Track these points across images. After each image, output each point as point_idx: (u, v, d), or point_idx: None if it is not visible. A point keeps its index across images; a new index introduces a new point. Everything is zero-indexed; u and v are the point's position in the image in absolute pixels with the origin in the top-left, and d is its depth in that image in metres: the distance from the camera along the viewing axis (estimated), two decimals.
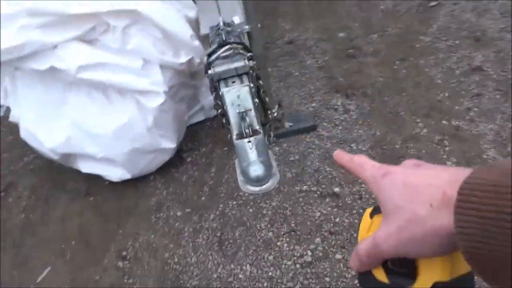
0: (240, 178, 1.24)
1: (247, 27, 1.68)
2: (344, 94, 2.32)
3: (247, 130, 1.23)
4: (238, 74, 1.31)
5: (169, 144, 1.98)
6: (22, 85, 1.99)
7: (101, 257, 1.80)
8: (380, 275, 0.40)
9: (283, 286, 1.52)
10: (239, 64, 1.30)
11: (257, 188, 1.20)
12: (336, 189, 1.81)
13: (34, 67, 1.77)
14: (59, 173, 2.23)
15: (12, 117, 2.08)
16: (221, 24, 1.52)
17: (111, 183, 2.08)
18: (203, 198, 1.93)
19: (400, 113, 2.11)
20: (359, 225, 0.44)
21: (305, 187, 1.86)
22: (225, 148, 2.15)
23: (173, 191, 2.01)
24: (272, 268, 1.59)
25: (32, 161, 2.40)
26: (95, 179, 2.11)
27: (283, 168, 1.96)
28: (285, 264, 1.59)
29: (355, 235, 1.63)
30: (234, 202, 1.87)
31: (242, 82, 1.28)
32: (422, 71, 2.34)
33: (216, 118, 2.29)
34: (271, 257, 1.62)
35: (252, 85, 1.28)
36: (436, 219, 0.34)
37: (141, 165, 2.00)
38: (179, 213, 1.89)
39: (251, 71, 1.36)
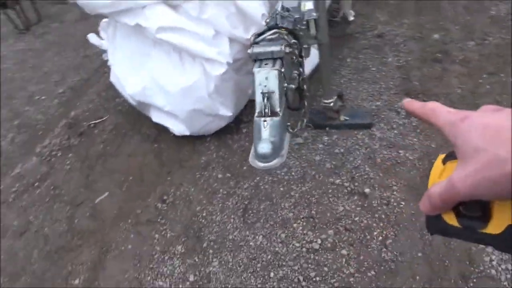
0: (251, 152, 1.36)
1: (314, 14, 1.73)
2: (414, 99, 2.23)
3: (266, 110, 1.33)
4: (273, 58, 1.39)
5: (227, 112, 2.15)
6: (120, 35, 2.30)
7: (147, 196, 2.07)
8: (451, 219, 0.39)
9: (284, 262, 1.62)
10: (275, 48, 1.39)
11: (261, 164, 1.31)
12: (367, 190, 1.82)
13: (126, 22, 2.04)
14: (138, 118, 2.55)
15: (109, 62, 2.43)
16: (279, 8, 1.60)
17: (175, 136, 2.33)
18: (244, 167, 2.08)
19: None
20: (429, 172, 0.43)
21: (338, 181, 1.89)
22: None
23: (222, 155, 2.19)
24: (280, 245, 1.69)
25: (121, 103, 2.77)
26: (164, 130, 2.38)
27: (325, 158, 2.01)
28: (293, 245, 1.68)
29: (368, 237, 1.65)
30: (270, 178, 1.99)
31: (273, 65, 1.36)
32: (507, 91, 2.14)
33: None
34: (283, 235, 1.73)
35: (283, 70, 1.36)
36: None
37: (199, 125, 2.21)
38: (220, 176, 2.07)
39: (288, 57, 1.43)
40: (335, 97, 2.07)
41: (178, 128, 2.27)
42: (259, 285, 1.58)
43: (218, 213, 1.89)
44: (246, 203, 1.90)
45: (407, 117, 2.14)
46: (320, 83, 2.13)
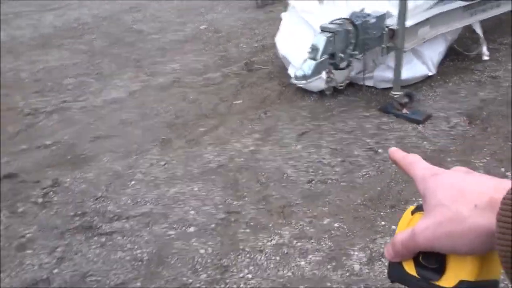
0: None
1: (393, 25, 2.59)
2: (471, 119, 2.79)
3: (311, 56, 2.35)
4: (330, 31, 2.38)
5: None
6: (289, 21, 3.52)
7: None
8: (410, 267, 0.42)
9: (319, 178, 2.59)
10: (331, 26, 2.38)
11: (293, 81, 2.36)
12: (380, 150, 2.59)
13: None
14: (282, 71, 3.75)
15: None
16: (362, 11, 2.55)
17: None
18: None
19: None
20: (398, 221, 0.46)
21: (369, 141, 2.71)
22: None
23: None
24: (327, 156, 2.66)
25: (279, 62, 4.01)
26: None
27: (362, 136, 2.82)
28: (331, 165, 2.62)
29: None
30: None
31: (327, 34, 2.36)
32: None
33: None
34: (338, 159, 2.68)
35: (330, 38, 2.34)
36: (477, 218, 0.36)
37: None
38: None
39: (339, 35, 2.40)
40: (402, 93, 2.83)
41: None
42: None
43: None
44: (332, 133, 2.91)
45: (463, 133, 2.73)
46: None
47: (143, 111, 3.38)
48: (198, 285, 1.90)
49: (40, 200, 2.49)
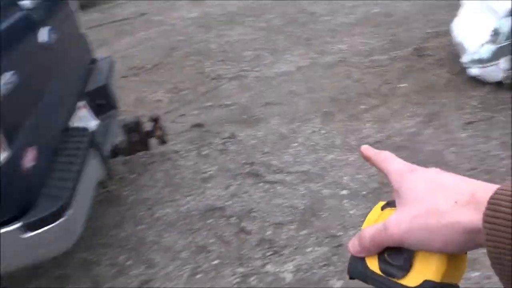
0: None
1: None
2: None
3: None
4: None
5: None
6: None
7: None
8: (373, 264, 0.40)
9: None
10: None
11: (467, 65, 2.32)
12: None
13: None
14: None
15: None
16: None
17: None
18: None
19: None
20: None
21: None
22: None
23: None
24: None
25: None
26: None
27: None
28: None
29: None
30: None
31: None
32: None
33: None
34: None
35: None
36: (457, 214, 0.35)
37: None
38: None
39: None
40: None
41: None
42: None
43: None
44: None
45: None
46: None
47: (309, 85, 3.67)
48: (345, 238, 2.10)
49: (220, 147, 2.99)
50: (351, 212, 2.26)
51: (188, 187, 2.63)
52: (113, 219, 2.43)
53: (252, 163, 2.76)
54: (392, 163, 0.44)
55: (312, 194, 2.43)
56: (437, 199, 0.37)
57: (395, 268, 0.39)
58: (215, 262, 2.07)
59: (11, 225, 1.32)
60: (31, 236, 1.34)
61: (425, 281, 0.37)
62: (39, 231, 1.34)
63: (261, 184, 2.56)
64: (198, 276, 2.01)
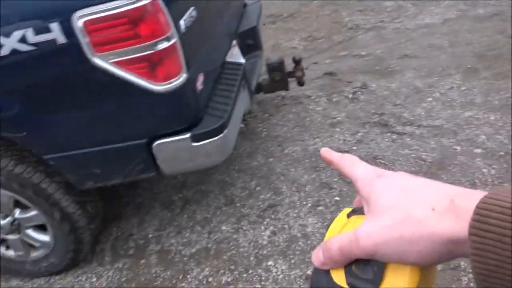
0: None
1: None
2: None
3: None
4: None
5: None
6: None
7: None
8: (339, 277, 0.37)
9: None
10: None
11: None
12: None
13: None
14: None
15: None
16: None
17: None
18: None
19: None
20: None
21: None
22: None
23: None
24: None
25: None
26: None
27: None
28: None
29: None
30: None
31: None
32: None
33: None
34: None
35: None
36: (435, 223, 0.32)
37: None
38: None
39: None
40: None
41: None
42: None
43: None
44: None
45: None
46: None
47: (453, 39, 3.43)
48: None
49: (350, 95, 3.04)
50: (484, 170, 2.17)
51: (316, 129, 2.77)
52: (247, 150, 2.71)
53: (381, 114, 2.77)
54: (357, 168, 0.41)
55: (442, 149, 2.37)
56: (412, 206, 0.34)
57: (364, 281, 0.36)
58: (336, 198, 2.22)
59: (183, 135, 1.62)
60: (196, 145, 1.63)
61: None
62: (203, 142, 1.63)
63: (388, 134, 2.58)
64: (319, 208, 2.18)
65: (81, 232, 1.99)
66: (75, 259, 2.09)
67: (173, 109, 1.62)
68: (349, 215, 0.41)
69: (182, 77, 1.58)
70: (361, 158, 0.43)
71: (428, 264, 0.34)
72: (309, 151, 2.60)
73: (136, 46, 1.46)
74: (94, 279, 2.09)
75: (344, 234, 0.37)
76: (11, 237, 2.04)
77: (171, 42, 1.51)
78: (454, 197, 0.33)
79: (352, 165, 0.42)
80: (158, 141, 1.65)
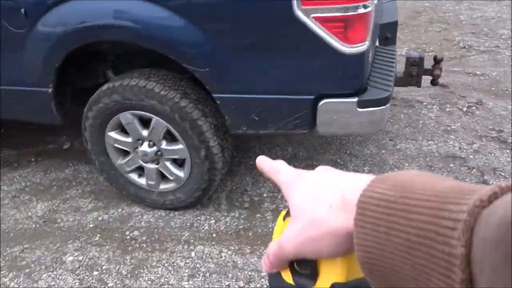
0: None
1: None
2: None
3: None
4: None
5: None
6: None
7: None
8: (287, 276, 0.41)
9: None
10: None
11: None
12: None
13: None
14: None
15: None
16: None
17: None
18: None
19: None
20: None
21: None
22: None
23: None
24: None
25: None
26: None
27: None
28: None
29: None
30: None
31: None
32: None
33: None
34: None
35: None
36: (333, 220, 0.35)
37: None
38: None
39: None
40: None
41: None
42: None
43: None
44: None
45: None
46: None
47: None
48: None
49: (464, 109, 3.06)
50: None
51: (430, 133, 2.81)
52: (358, 138, 2.79)
53: (500, 131, 2.77)
54: (281, 174, 0.43)
55: None
56: (315, 207, 0.37)
57: (305, 277, 0.40)
58: None
59: (351, 98, 1.73)
60: (360, 111, 1.73)
61: (333, 284, 0.39)
62: (368, 109, 1.73)
63: (508, 151, 2.58)
64: None
65: (215, 174, 2.13)
66: (200, 198, 2.24)
67: (349, 72, 1.73)
68: (284, 218, 0.44)
69: (366, 45, 1.69)
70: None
71: (347, 254, 0.37)
72: (423, 150, 2.65)
73: (339, 6, 1.58)
74: (213, 221, 2.23)
75: (275, 241, 0.40)
76: (149, 165, 2.21)
77: (367, 10, 1.62)
78: (344, 192, 0.36)
79: (276, 171, 0.44)
80: (326, 100, 1.77)
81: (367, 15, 1.63)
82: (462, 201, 0.27)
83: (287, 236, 0.39)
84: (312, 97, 1.78)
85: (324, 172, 0.41)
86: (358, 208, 0.33)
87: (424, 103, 3.16)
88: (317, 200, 0.37)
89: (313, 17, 1.60)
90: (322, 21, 1.61)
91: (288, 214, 0.43)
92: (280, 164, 0.45)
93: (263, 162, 0.46)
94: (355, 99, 1.74)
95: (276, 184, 0.44)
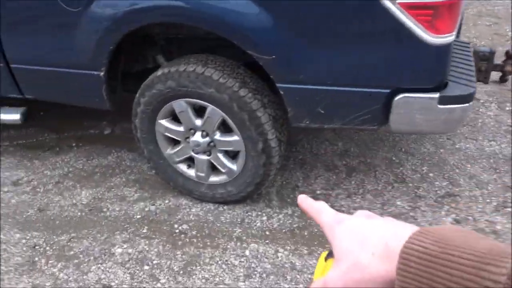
0: None
1: None
2: None
3: None
4: None
5: None
6: None
7: None
8: None
9: None
10: None
11: None
12: None
13: None
14: None
15: None
16: None
17: None
18: None
19: None
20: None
21: None
22: None
23: None
24: None
25: None
26: None
27: None
28: None
29: None
30: None
31: None
32: None
33: None
34: None
35: None
36: (375, 266, 0.37)
37: None
38: None
39: None
40: None
41: None
42: None
43: None
44: None
45: None
46: None
47: None
48: None
49: None
50: None
51: (491, 132, 2.64)
52: (413, 136, 2.64)
53: None
54: (323, 216, 0.45)
55: None
56: (358, 252, 0.39)
57: None
58: None
59: (432, 94, 1.58)
60: (441, 108, 1.58)
61: None
62: (449, 106, 1.58)
63: None
64: (507, 209, 2.07)
65: (271, 169, 2.02)
66: (252, 193, 2.13)
67: (432, 65, 1.59)
68: (326, 258, 0.46)
69: (453, 35, 1.54)
70: None
71: None
72: (486, 151, 2.49)
73: None
74: (265, 218, 2.13)
75: (320, 279, 0.42)
76: (200, 156, 2.11)
77: None
78: (387, 240, 0.38)
79: (318, 213, 0.46)
80: (403, 94, 1.62)
81: (458, 4, 1.48)
82: (501, 264, 0.30)
83: (332, 276, 0.41)
84: (387, 90, 1.64)
85: (367, 218, 0.43)
86: (401, 258, 0.35)
87: (481, 101, 2.98)
88: (360, 245, 0.39)
89: (399, 3, 1.46)
90: (408, 7, 1.46)
91: (329, 255, 0.45)
92: (322, 205, 0.47)
93: (306, 201, 0.48)
94: (437, 95, 1.59)
95: (317, 223, 0.46)
